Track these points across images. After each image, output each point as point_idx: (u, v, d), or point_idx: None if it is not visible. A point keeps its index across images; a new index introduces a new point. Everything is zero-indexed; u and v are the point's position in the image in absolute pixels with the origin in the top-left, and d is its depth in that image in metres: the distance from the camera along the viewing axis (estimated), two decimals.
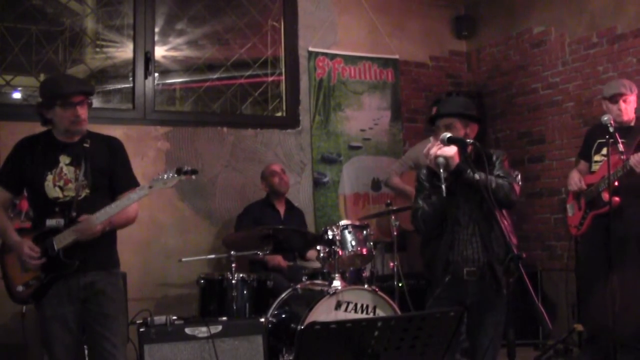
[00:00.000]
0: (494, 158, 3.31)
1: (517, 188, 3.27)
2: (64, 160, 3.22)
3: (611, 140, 4.21)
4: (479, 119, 3.40)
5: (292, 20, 6.15)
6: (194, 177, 3.20)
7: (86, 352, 3.40)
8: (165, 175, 3.17)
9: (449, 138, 3.18)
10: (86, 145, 3.25)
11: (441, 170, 3.08)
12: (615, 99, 4.53)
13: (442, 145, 3.15)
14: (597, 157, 4.67)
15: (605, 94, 4.62)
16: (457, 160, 3.14)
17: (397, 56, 6.55)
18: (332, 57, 6.27)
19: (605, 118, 4.35)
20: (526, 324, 5.38)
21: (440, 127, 3.30)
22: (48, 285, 3.16)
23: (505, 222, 3.30)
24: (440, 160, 3.10)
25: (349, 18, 6.40)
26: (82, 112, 3.19)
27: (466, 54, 7.03)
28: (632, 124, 4.54)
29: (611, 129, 4.25)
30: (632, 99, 4.54)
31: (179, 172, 3.14)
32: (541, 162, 6.20)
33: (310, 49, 6.16)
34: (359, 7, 6.43)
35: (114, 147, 3.39)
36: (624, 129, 4.41)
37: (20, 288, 3.19)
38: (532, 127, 6.28)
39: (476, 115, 3.37)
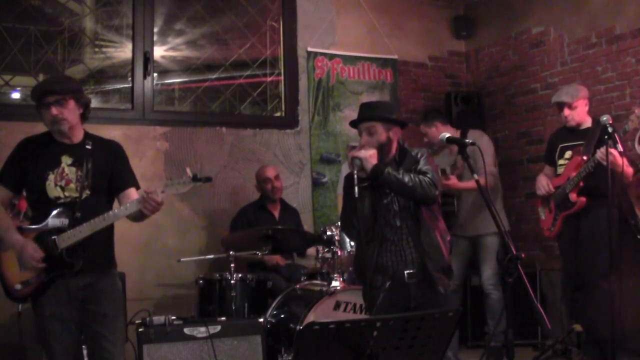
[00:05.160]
0: (418, 156, 3.36)
1: (438, 183, 3.29)
2: (66, 160, 3.23)
3: (610, 140, 4.20)
4: (403, 122, 3.45)
5: (290, 20, 6.15)
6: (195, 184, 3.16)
7: (85, 352, 3.39)
8: (179, 181, 3.13)
9: (447, 138, 3.23)
10: (88, 147, 3.27)
11: (355, 172, 3.14)
12: (559, 106, 4.68)
13: (360, 148, 3.24)
14: (561, 161, 4.75)
15: (552, 99, 4.75)
16: (373, 162, 3.18)
17: (396, 56, 6.54)
18: (331, 57, 6.27)
19: (604, 118, 4.35)
20: (525, 324, 5.41)
21: (362, 131, 3.34)
22: (47, 284, 3.16)
23: (440, 223, 3.36)
24: (356, 161, 3.17)
25: (348, 18, 6.40)
26: (58, 111, 3.15)
27: (465, 54, 7.03)
28: (589, 125, 4.61)
29: (610, 129, 4.25)
30: (578, 103, 4.60)
31: (194, 179, 3.09)
32: (540, 162, 6.17)
33: (309, 49, 6.16)
34: (358, 7, 6.42)
35: (115, 150, 3.40)
36: (581, 132, 4.56)
37: (18, 286, 3.17)
38: (531, 127, 6.28)
39: (398, 119, 3.41)
